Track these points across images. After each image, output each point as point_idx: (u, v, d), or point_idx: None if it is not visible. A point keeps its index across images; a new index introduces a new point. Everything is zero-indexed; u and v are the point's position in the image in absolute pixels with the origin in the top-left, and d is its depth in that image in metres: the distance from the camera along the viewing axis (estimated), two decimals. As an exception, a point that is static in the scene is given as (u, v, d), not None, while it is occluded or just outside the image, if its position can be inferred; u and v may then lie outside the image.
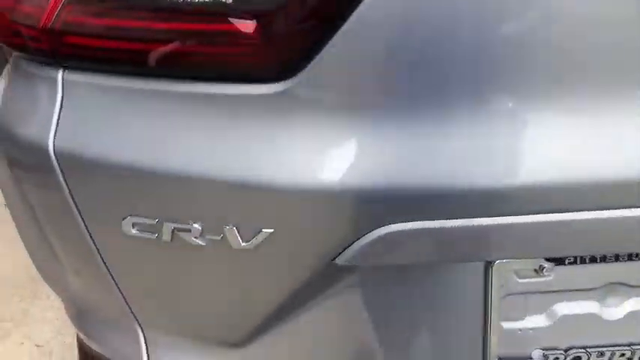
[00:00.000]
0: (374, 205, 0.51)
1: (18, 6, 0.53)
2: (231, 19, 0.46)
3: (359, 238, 0.52)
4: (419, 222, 0.51)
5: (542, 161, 0.49)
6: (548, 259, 0.56)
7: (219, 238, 0.54)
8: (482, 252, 0.55)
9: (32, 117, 0.57)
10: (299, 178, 0.50)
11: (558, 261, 0.57)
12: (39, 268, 0.76)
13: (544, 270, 0.57)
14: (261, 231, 0.52)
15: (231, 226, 0.53)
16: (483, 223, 0.51)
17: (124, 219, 0.56)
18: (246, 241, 0.53)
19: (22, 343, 1.46)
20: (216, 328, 0.67)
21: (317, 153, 0.50)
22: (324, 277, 0.56)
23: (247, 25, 0.47)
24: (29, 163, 0.59)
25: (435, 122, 0.50)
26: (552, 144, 0.50)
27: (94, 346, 0.79)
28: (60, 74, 0.55)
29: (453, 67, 0.49)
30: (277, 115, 0.50)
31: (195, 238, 0.55)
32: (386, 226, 0.51)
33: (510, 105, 0.50)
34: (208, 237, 0.54)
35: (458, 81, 0.49)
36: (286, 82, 0.49)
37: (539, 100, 0.49)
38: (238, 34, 0.47)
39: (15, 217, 0.69)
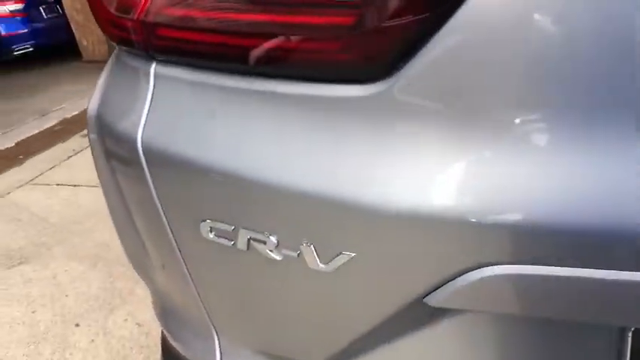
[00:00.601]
0: (481, 239, 0.41)
1: (117, -3, 0.52)
2: (322, 11, 0.40)
3: (457, 278, 0.43)
4: (534, 266, 0.40)
5: None
6: None
7: (295, 254, 0.48)
8: (617, 315, 0.42)
9: (125, 109, 0.57)
10: (389, 198, 0.42)
11: None
12: (129, 256, 0.78)
13: None
14: (340, 253, 0.45)
15: (308, 244, 0.47)
16: (625, 278, 0.39)
17: (202, 221, 0.54)
18: (324, 263, 0.47)
19: (126, 320, 1.57)
20: (290, 348, 0.62)
21: (414, 170, 0.42)
22: (412, 316, 0.47)
23: (341, 17, 0.40)
24: (121, 154, 0.59)
25: (576, 141, 0.38)
26: None
27: (175, 344, 0.78)
28: (152, 67, 0.54)
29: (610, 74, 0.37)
30: (370, 122, 0.43)
31: (270, 251, 0.50)
32: (492, 267, 0.41)
33: None
34: (284, 252, 0.49)
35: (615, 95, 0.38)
36: (383, 82, 0.42)
37: None
38: (332, 27, 0.41)
39: (110, 206, 0.71)
